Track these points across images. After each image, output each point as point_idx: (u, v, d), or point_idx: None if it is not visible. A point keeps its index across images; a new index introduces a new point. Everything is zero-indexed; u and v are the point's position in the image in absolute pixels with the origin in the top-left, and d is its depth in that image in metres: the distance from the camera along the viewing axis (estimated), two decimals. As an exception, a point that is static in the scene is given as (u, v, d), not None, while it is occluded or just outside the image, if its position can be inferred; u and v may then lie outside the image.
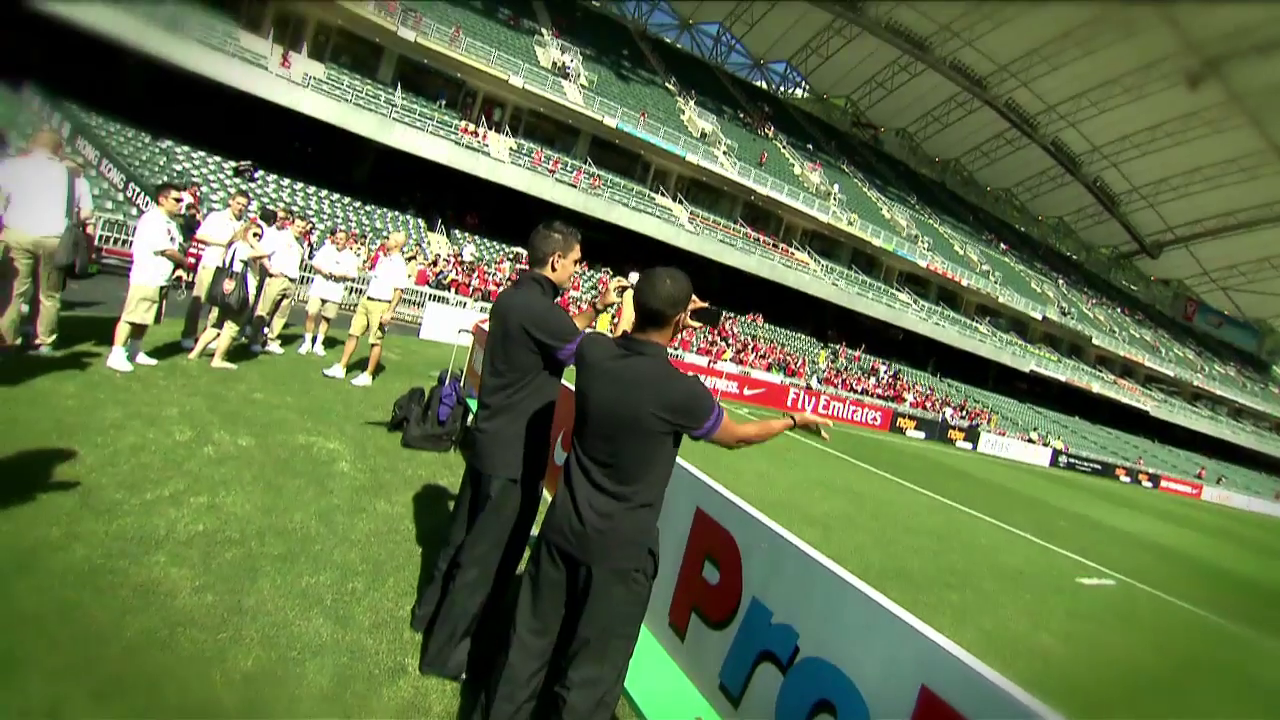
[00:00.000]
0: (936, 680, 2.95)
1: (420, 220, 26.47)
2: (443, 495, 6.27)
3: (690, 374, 2.89)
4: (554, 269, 3.71)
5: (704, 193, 33.73)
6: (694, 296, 3.00)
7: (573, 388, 2.95)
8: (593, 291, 25.72)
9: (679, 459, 3.58)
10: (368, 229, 22.99)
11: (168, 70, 20.05)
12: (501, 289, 5.66)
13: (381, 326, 9.45)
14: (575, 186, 27.54)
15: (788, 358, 30.61)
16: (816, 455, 15.14)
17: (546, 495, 5.40)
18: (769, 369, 28.25)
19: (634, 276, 3.40)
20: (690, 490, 4.24)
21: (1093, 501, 21.40)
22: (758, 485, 10.25)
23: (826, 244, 37.51)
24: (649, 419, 2.77)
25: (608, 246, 28.67)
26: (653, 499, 2.86)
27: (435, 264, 22.87)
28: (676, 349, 24.41)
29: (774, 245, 34.57)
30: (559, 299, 4.06)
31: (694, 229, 30.58)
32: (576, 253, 3.75)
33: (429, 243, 25.17)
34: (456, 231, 27.58)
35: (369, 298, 9.56)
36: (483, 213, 28.66)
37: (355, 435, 7.30)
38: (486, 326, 3.92)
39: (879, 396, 31.14)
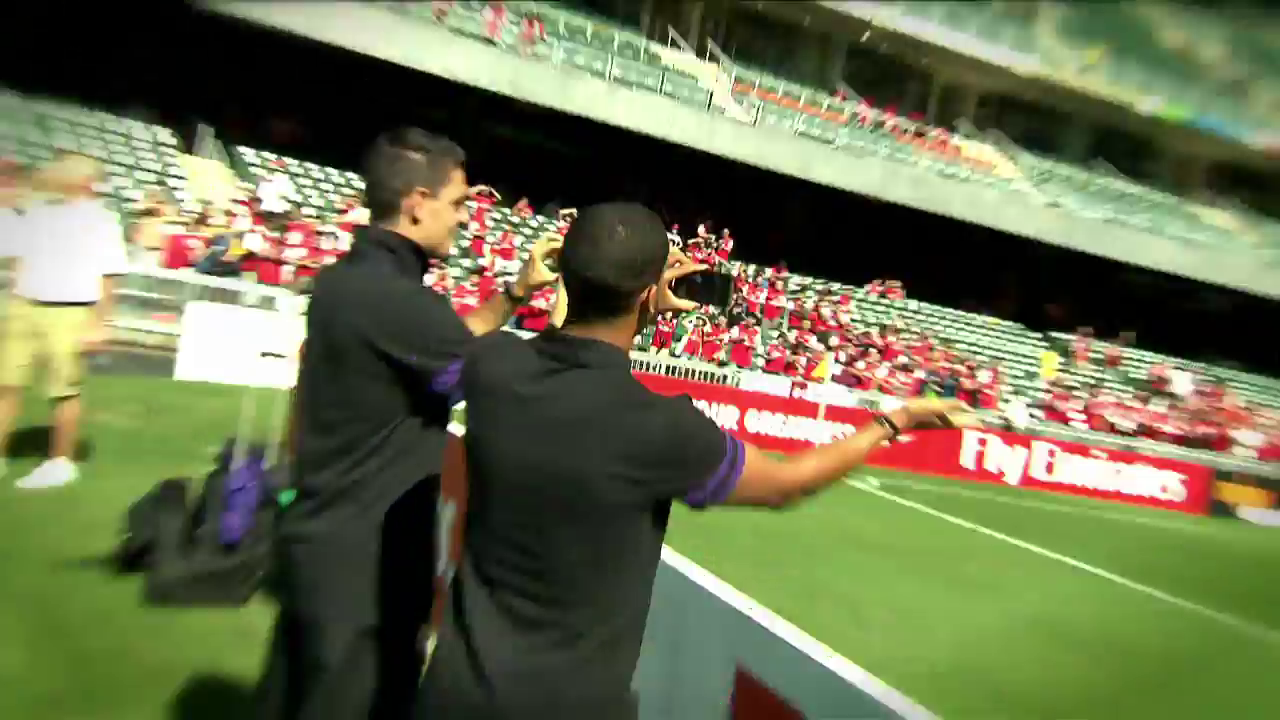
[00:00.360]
0: None
1: (158, 127, 19.67)
2: (233, 695, 3.74)
3: (675, 396, 1.77)
4: (415, 219, 2.30)
5: (755, 31, 30.11)
6: (681, 255, 1.93)
7: (462, 439, 1.93)
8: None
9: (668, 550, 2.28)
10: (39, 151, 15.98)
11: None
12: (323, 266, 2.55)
13: (85, 358, 6.01)
14: (466, 35, 21.75)
15: (963, 364, 23.48)
16: (1036, 567, 10.46)
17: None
18: (920, 390, 21.01)
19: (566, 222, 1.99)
20: (722, 631, 2.54)
21: None
22: (894, 627, 6.75)
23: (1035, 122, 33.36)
24: (602, 483, 1.70)
25: (576, 162, 25.08)
26: (619, 634, 1.76)
27: (202, 221, 15.28)
28: (678, 353, 20.09)
29: (919, 136, 30.11)
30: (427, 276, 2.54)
31: (744, 110, 26.93)
32: (458, 183, 2.32)
33: (184, 173, 18.63)
34: (247, 151, 20.57)
35: (37, 301, 5.83)
36: (300, 107, 22.31)
37: (40, 596, 4.43)
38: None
39: (1179, 439, 22.29)
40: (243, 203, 17.19)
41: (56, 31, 20.78)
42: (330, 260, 2.52)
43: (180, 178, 19.57)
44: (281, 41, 20.60)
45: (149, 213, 15.50)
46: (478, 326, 2.44)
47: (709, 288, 1.94)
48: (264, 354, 5.79)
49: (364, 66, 21.49)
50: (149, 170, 19.07)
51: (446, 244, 2.38)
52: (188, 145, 21.08)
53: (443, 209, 2.31)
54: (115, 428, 8.39)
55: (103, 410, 8.93)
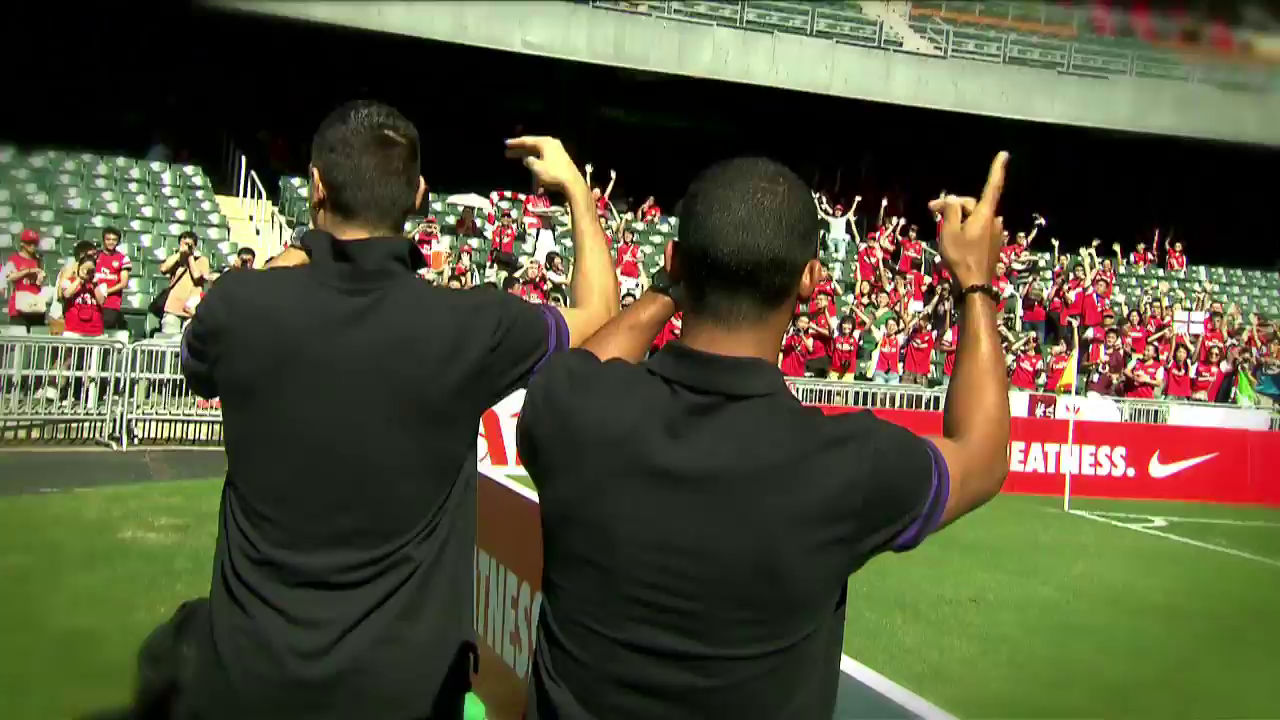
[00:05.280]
0: None
1: (186, 166, 22.31)
2: None
3: (858, 415, 1.78)
4: (412, 209, 2.52)
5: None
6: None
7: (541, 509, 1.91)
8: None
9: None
10: None
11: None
12: (263, 300, 2.29)
13: None
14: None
15: None
16: None
17: None
18: (1225, 386, 20.65)
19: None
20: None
21: None
22: None
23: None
24: (795, 560, 1.66)
25: (709, 141, 25.82)
26: None
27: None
28: (870, 374, 19.96)
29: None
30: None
31: (928, 41, 26.63)
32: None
33: (221, 217, 20.88)
34: (294, 180, 22.08)
35: None
36: None
37: None
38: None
39: None
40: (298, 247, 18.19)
41: (53, 71, 22.58)
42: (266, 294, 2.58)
43: (216, 225, 20.95)
44: (320, 39, 21.83)
45: (179, 267, 16.75)
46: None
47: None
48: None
49: (425, 55, 22.59)
50: (179, 221, 20.42)
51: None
52: (222, 183, 22.57)
53: (420, 194, 2.56)
54: (145, 546, 9.03)
55: (133, 524, 9.66)
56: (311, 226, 2.47)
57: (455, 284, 17.40)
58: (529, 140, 2.65)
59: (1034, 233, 24.45)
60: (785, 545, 1.62)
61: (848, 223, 24.55)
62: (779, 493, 1.62)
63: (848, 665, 2.34)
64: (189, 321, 2.42)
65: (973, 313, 2.00)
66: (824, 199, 24.91)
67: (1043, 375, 20.45)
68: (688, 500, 1.64)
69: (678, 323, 1.89)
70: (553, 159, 2.67)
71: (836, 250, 24.32)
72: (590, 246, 2.65)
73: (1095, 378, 20.43)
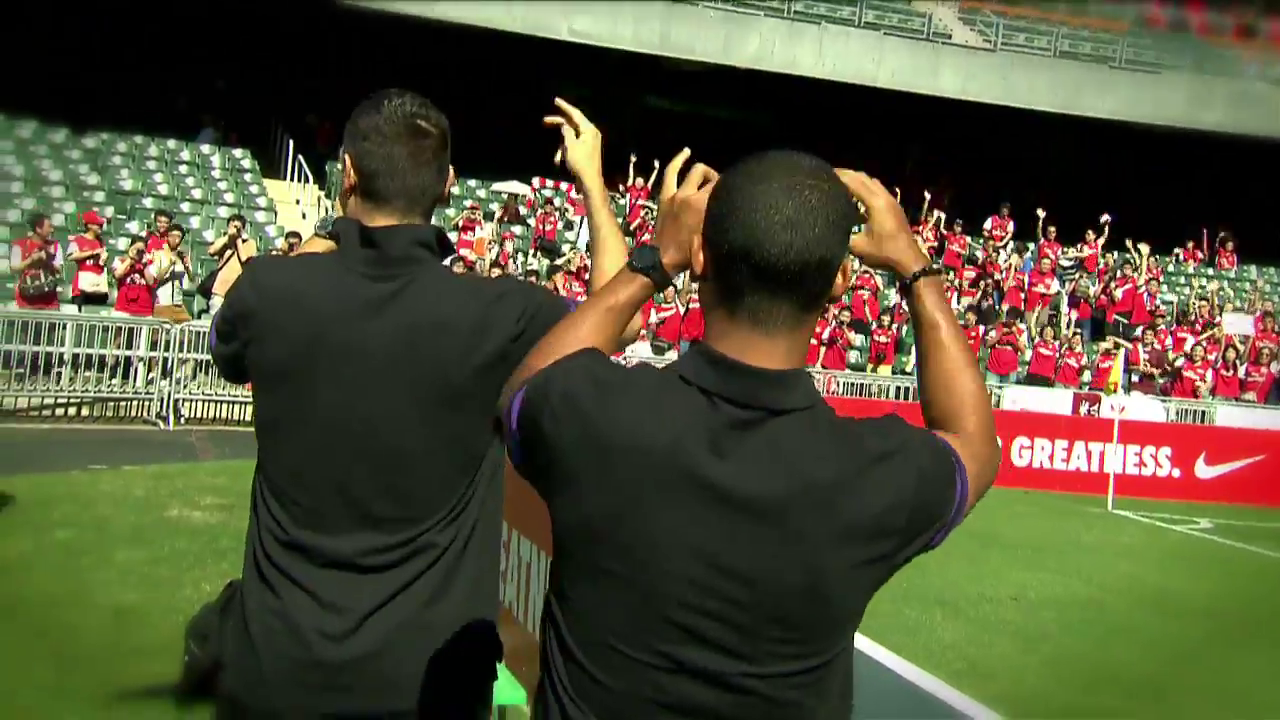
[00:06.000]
0: None
1: (234, 149, 22.14)
2: None
3: (889, 421, 1.76)
4: (441, 198, 2.55)
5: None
6: None
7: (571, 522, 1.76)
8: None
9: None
10: None
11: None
12: (280, 279, 2.42)
13: None
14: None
15: None
16: None
17: None
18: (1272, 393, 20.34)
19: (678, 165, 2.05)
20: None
21: None
22: None
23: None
24: (840, 578, 1.65)
25: (754, 131, 25.82)
26: None
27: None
28: (910, 368, 19.51)
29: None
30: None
31: (977, 35, 26.30)
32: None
33: (269, 200, 21.36)
34: (334, 166, 21.17)
35: None
36: None
37: None
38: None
39: None
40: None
41: (105, 54, 22.85)
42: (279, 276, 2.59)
43: (264, 208, 21.18)
44: (371, 25, 21.94)
45: (228, 249, 17.01)
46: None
47: None
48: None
49: (472, 43, 22.71)
50: (227, 204, 20.63)
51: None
52: (270, 167, 22.82)
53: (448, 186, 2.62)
54: (190, 524, 9.16)
55: (179, 504, 9.80)
56: (341, 213, 2.49)
57: (496, 271, 17.49)
58: (575, 113, 2.60)
59: (1105, 232, 24.24)
60: (831, 565, 1.60)
61: (894, 218, 24.50)
62: (828, 513, 1.58)
63: (893, 662, 2.37)
64: (219, 307, 2.43)
65: (926, 300, 1.89)
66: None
67: (1087, 373, 20.30)
68: (738, 522, 1.58)
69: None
70: (586, 145, 2.64)
71: (881, 244, 24.28)
72: (607, 242, 2.61)
73: (1137, 378, 20.24)
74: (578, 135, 2.62)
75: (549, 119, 2.65)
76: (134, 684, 5.47)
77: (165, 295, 16.43)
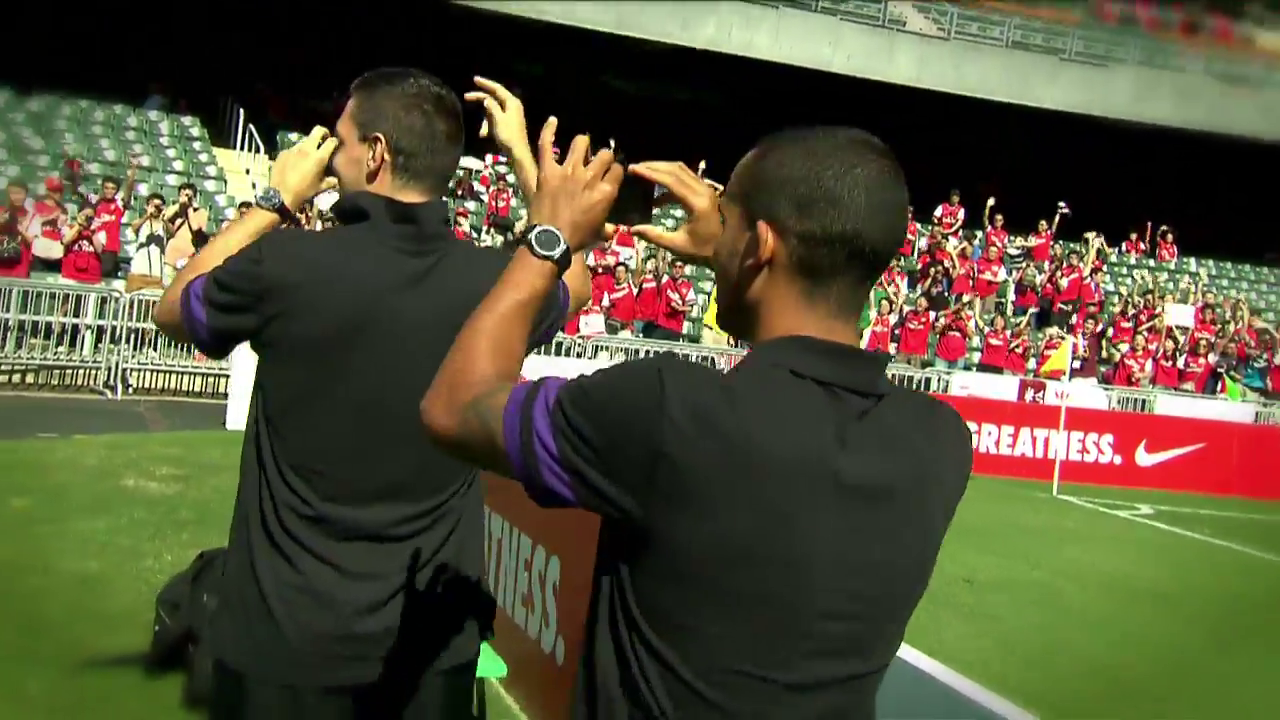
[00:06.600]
0: None
1: (184, 116, 21.65)
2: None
3: (929, 395, 1.78)
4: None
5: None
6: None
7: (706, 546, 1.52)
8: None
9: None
10: None
11: None
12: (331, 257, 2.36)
13: None
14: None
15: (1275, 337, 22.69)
16: None
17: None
18: (1210, 382, 21.36)
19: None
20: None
21: None
22: None
23: None
24: (935, 561, 1.66)
25: (709, 112, 25.84)
26: None
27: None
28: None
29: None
30: None
31: (932, 22, 26.28)
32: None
33: (218, 169, 20.61)
34: (291, 136, 21.27)
35: None
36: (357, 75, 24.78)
37: (64, 708, 4.85)
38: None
39: None
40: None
41: (54, 19, 22.38)
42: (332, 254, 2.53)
43: (214, 177, 20.86)
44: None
45: (178, 218, 16.75)
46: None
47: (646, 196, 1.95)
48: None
49: (429, 18, 22.52)
50: (176, 171, 20.31)
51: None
52: (219, 135, 22.46)
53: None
54: (148, 495, 9.06)
55: (135, 473, 9.69)
56: (355, 190, 2.45)
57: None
58: (498, 88, 2.52)
59: (1057, 220, 24.54)
60: (938, 542, 1.61)
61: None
62: (937, 494, 1.59)
63: (927, 665, 2.38)
64: (218, 278, 2.33)
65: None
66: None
67: (1032, 360, 20.60)
68: (873, 516, 1.52)
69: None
70: (512, 118, 2.57)
71: (831, 229, 24.36)
72: None
73: (1079, 364, 20.58)
74: (504, 109, 2.58)
75: (470, 95, 2.61)
76: (101, 652, 5.41)
77: (139, 264, 16.17)
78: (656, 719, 1.48)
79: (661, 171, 1.76)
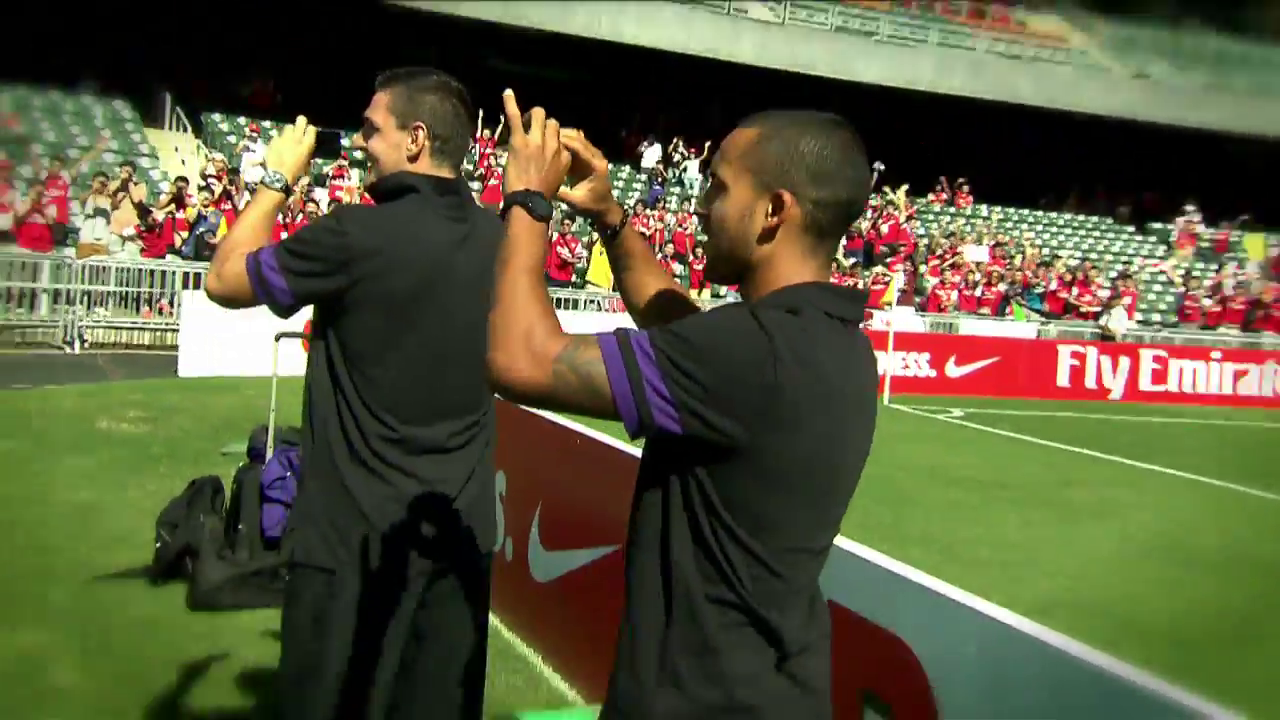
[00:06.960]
0: None
1: (116, 100, 20.66)
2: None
3: None
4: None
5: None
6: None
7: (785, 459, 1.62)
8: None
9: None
10: None
11: None
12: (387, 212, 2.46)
13: None
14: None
15: (1049, 269, 23.39)
16: (1151, 486, 10.57)
17: None
18: (1002, 307, 21.86)
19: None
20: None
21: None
22: (997, 564, 7.00)
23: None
24: None
25: (584, 90, 24.55)
26: None
27: (179, 201, 16.56)
28: (724, 294, 21.55)
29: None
30: None
31: (769, 10, 26.35)
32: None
33: (150, 148, 19.71)
34: (216, 117, 21.46)
35: None
36: (269, 62, 22.35)
37: (82, 612, 4.81)
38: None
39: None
40: (219, 176, 17.51)
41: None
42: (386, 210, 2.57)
43: (147, 155, 19.94)
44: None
45: (120, 192, 16.06)
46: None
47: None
48: (280, 336, 5.76)
49: (334, 9, 21.74)
50: (112, 151, 19.39)
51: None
52: (150, 117, 21.48)
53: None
54: (122, 435, 8.84)
55: (106, 417, 9.42)
56: (391, 171, 2.49)
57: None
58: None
59: (874, 176, 24.96)
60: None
61: (701, 164, 24.67)
62: (874, 398, 1.74)
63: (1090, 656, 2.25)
64: (293, 249, 2.37)
65: (636, 238, 2.07)
66: (680, 143, 25.04)
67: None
68: (865, 419, 1.67)
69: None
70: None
71: (693, 189, 24.49)
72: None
73: (900, 296, 21.18)
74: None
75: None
76: (108, 567, 5.35)
77: (87, 233, 15.49)
78: (736, 590, 1.55)
79: (571, 138, 1.79)
